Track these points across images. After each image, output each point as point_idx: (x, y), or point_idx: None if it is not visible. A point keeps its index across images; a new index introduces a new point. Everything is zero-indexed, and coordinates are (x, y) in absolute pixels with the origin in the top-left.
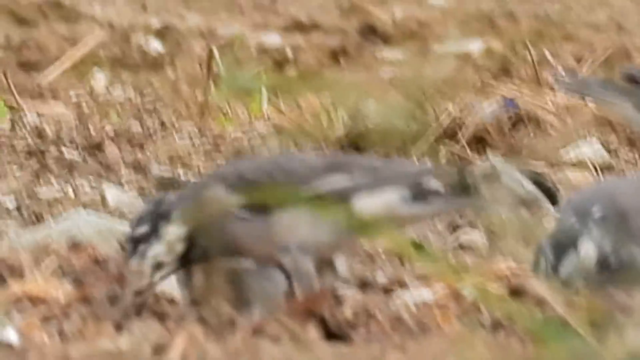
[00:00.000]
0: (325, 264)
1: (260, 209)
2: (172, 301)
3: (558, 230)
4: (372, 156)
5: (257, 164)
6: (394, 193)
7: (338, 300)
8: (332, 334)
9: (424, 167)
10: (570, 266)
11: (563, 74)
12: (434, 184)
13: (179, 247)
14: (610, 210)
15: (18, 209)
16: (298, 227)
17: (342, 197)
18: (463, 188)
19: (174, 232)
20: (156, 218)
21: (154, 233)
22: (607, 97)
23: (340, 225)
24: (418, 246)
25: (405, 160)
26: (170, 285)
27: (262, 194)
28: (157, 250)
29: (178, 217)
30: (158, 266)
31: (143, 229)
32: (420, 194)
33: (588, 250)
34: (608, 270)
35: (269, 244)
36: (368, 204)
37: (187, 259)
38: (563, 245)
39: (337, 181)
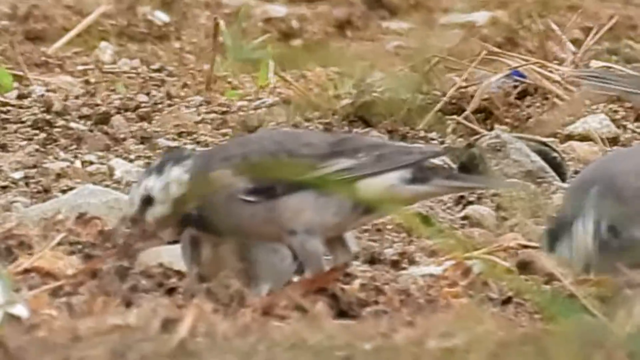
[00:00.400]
0: (335, 241)
1: (266, 192)
2: (180, 275)
3: (556, 216)
4: (375, 136)
5: (263, 145)
6: (396, 174)
7: (347, 275)
8: (342, 310)
9: (428, 149)
10: (567, 249)
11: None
12: (438, 165)
13: (175, 190)
14: (609, 190)
15: (25, 181)
16: (304, 210)
17: (347, 180)
18: (469, 168)
19: (176, 174)
20: (167, 160)
21: (157, 168)
22: (629, 88)
23: (345, 206)
24: (426, 221)
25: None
26: (179, 259)
27: (267, 177)
28: (152, 183)
29: (188, 165)
30: (148, 200)
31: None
32: (422, 175)
33: (584, 232)
34: (607, 250)
35: (276, 227)
36: (371, 185)
37: (185, 220)
38: (558, 229)
39: (341, 164)
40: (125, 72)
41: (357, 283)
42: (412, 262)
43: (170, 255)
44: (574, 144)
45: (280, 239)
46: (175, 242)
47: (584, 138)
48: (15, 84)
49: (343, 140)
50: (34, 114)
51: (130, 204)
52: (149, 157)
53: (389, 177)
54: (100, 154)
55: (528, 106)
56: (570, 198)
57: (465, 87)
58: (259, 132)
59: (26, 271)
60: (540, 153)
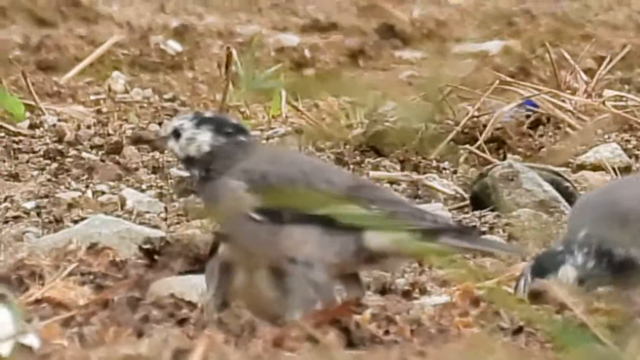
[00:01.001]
0: (349, 276)
1: (273, 215)
2: (191, 305)
3: (543, 254)
4: (392, 192)
5: (286, 169)
6: (405, 234)
7: (359, 305)
8: (352, 341)
9: (441, 220)
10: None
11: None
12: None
13: (193, 149)
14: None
15: (37, 211)
16: (306, 243)
17: (355, 226)
18: (481, 198)
19: (201, 136)
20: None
21: (192, 122)
22: None
23: (348, 249)
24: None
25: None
26: (190, 289)
27: (279, 202)
28: (180, 122)
29: (212, 131)
30: (177, 135)
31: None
32: (431, 232)
33: (567, 273)
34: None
35: (276, 252)
36: (377, 238)
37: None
38: (543, 269)
39: (354, 209)
40: (137, 102)
41: (368, 313)
42: (423, 291)
43: (181, 286)
44: (586, 173)
45: (280, 264)
46: (187, 272)
47: (596, 167)
48: (28, 114)
49: (362, 187)
50: (46, 144)
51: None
52: (160, 187)
53: (398, 233)
54: (112, 184)
55: (540, 135)
56: (572, 221)
57: (478, 116)
58: (292, 154)
59: (37, 301)
60: (552, 182)
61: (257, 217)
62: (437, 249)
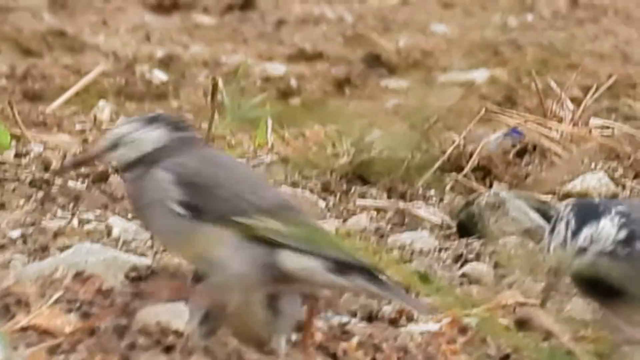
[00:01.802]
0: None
1: (197, 212)
2: (178, 333)
3: (581, 204)
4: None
5: (215, 169)
6: (318, 262)
7: (345, 333)
8: None
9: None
10: (588, 236)
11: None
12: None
13: (144, 148)
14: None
15: (23, 239)
16: (220, 244)
17: (272, 242)
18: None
19: (152, 137)
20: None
21: (139, 122)
22: None
23: (257, 263)
24: (424, 278)
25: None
26: (177, 317)
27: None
28: (125, 130)
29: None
30: (114, 146)
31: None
32: (345, 269)
33: (607, 225)
34: (621, 254)
35: (194, 249)
36: (291, 259)
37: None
38: (585, 215)
39: (275, 225)
40: None
41: (355, 341)
42: (410, 319)
43: (168, 313)
44: None
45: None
46: (173, 300)
47: (583, 196)
48: (13, 143)
49: (290, 208)
50: (32, 173)
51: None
52: None
53: (313, 259)
54: (98, 212)
55: (527, 164)
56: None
57: (464, 145)
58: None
59: (23, 329)
60: (538, 211)
61: (179, 210)
62: (345, 285)
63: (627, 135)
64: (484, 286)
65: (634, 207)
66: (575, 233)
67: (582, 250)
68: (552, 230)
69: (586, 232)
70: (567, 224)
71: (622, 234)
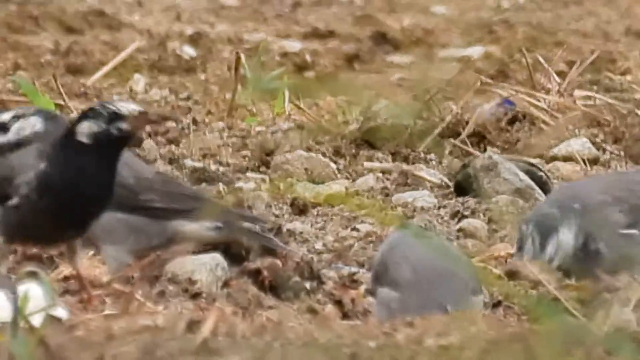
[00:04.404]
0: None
1: None
2: (202, 282)
3: (540, 216)
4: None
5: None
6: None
7: (354, 282)
8: (347, 314)
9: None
10: (553, 250)
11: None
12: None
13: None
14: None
15: None
16: (113, 227)
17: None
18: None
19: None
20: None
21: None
22: None
23: (154, 235)
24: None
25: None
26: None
27: None
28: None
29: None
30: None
31: None
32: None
33: (566, 236)
34: (581, 255)
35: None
36: (183, 226)
37: None
38: (546, 231)
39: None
40: (156, 101)
41: (362, 289)
42: None
43: (193, 264)
44: (558, 164)
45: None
46: (198, 252)
47: (567, 159)
48: (58, 112)
49: (170, 182)
50: None
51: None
52: (176, 176)
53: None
54: None
55: (517, 131)
56: (549, 207)
57: (461, 114)
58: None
59: (66, 278)
60: (528, 172)
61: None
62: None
63: (608, 105)
64: (478, 240)
65: (590, 197)
66: (541, 248)
67: (551, 260)
68: (520, 249)
69: (550, 247)
70: (533, 241)
71: (579, 240)
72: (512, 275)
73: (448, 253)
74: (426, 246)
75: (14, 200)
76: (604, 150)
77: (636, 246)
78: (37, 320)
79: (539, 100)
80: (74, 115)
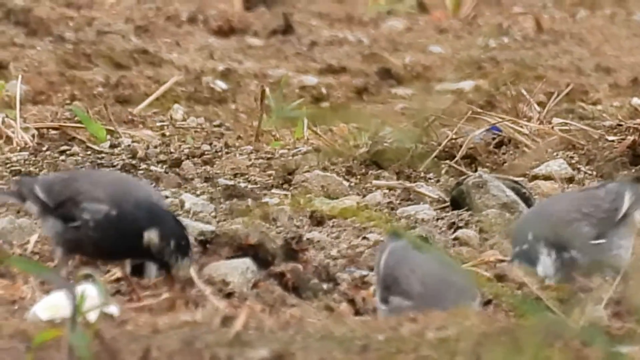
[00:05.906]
0: None
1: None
2: (234, 284)
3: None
4: None
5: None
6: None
7: (364, 283)
8: (359, 311)
9: None
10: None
11: (536, 107)
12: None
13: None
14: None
15: None
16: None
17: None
18: (459, 200)
19: None
20: None
21: None
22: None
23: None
24: (425, 241)
25: None
26: (233, 272)
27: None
28: None
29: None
30: None
31: None
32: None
33: (546, 263)
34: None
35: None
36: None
37: None
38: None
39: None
40: (193, 128)
41: (372, 289)
42: None
43: (227, 268)
44: (539, 182)
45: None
46: (231, 257)
47: (547, 178)
48: (108, 137)
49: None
50: (123, 160)
51: None
52: (211, 193)
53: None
54: (174, 190)
55: (504, 153)
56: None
57: (455, 139)
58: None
59: (117, 280)
60: (513, 189)
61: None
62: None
63: (581, 130)
64: (471, 247)
65: (564, 214)
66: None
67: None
68: (533, 264)
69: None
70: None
71: (557, 263)
72: (500, 278)
73: (446, 263)
74: (429, 258)
75: (77, 223)
76: (579, 170)
77: (605, 253)
78: (92, 317)
79: (522, 127)
80: (123, 139)
